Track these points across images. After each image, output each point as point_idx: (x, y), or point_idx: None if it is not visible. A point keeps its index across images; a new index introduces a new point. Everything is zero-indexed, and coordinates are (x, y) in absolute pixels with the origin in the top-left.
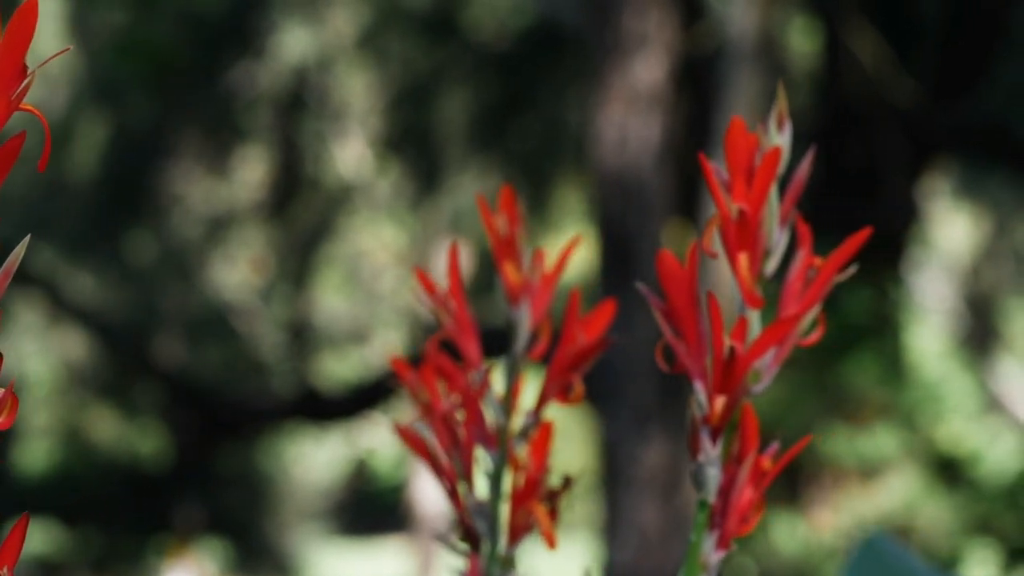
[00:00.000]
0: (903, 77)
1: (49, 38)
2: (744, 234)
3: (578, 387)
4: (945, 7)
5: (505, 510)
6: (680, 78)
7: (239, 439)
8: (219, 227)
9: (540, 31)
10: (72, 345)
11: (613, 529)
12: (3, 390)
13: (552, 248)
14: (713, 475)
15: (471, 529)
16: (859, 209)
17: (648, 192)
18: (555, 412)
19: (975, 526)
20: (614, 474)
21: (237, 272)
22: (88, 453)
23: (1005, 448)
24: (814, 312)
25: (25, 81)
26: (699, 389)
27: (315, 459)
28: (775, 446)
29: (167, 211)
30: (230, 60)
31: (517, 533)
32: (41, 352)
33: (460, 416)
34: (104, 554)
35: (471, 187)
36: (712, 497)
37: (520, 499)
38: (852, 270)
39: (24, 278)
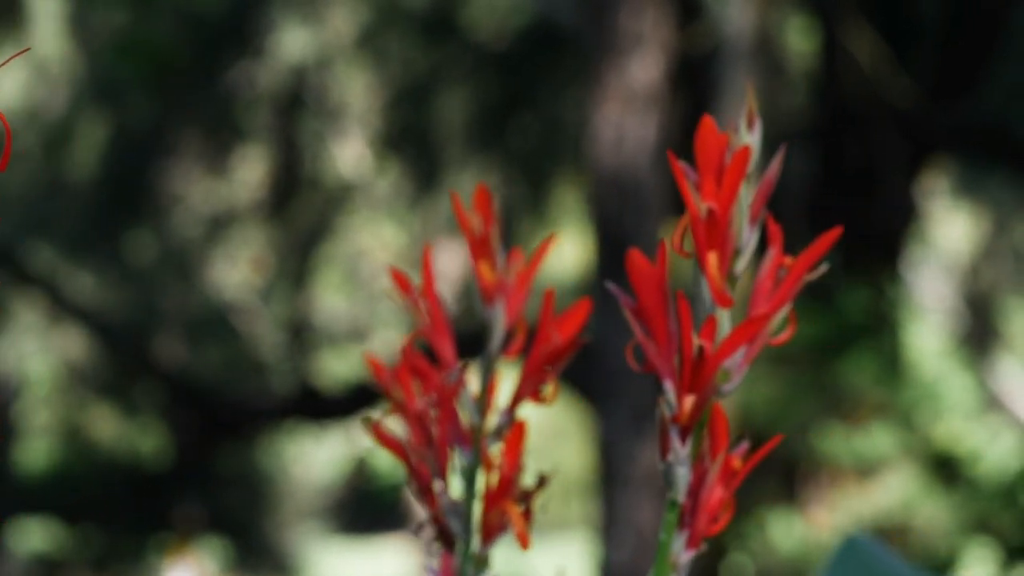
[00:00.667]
0: (901, 76)
1: (49, 38)
2: (713, 233)
3: (553, 386)
4: (944, 7)
5: (479, 509)
6: (676, 78)
7: (239, 438)
8: (219, 227)
9: (539, 30)
10: (72, 344)
11: (610, 528)
12: None
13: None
14: (682, 474)
15: (445, 528)
16: (857, 209)
17: (645, 192)
18: (554, 412)
19: (973, 525)
20: (611, 473)
21: (237, 272)
22: (88, 452)
23: (1004, 447)
24: (784, 311)
25: None
26: (668, 388)
27: (315, 458)
28: (745, 445)
29: (167, 211)
30: (230, 60)
31: (491, 533)
32: (41, 351)
33: (434, 415)
34: (104, 553)
35: (470, 186)
36: (682, 496)
37: (493, 499)
38: (823, 269)
39: (24, 277)
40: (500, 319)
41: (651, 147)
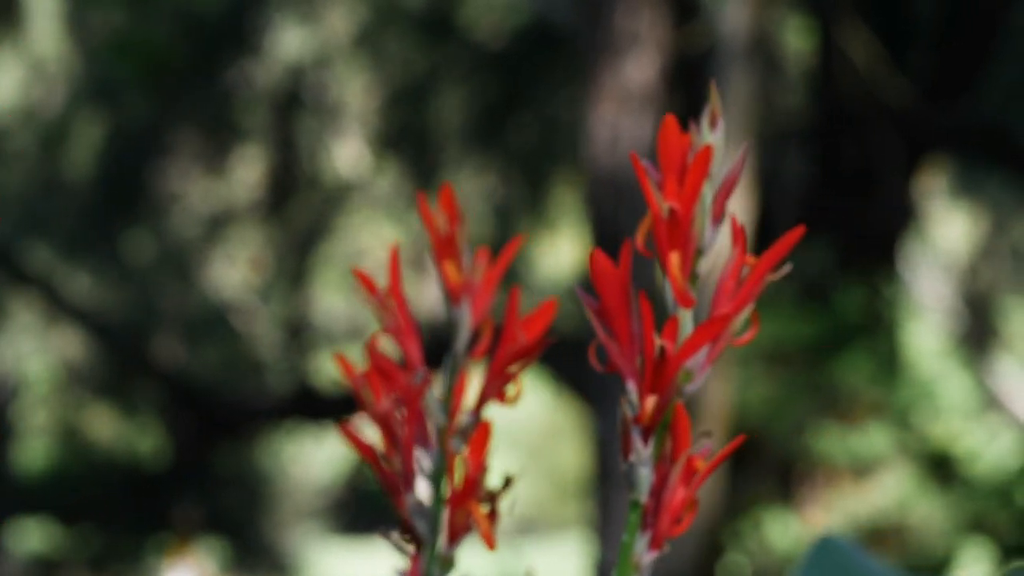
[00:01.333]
0: (899, 76)
1: (46, 37)
2: (675, 233)
3: (518, 387)
4: (941, 7)
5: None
6: (672, 78)
7: (238, 438)
8: (217, 226)
9: (536, 30)
10: (70, 344)
11: (606, 527)
12: None
13: (548, 246)
14: (645, 475)
15: (412, 529)
16: (854, 209)
17: (640, 191)
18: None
19: (969, 525)
20: (607, 472)
21: (235, 271)
22: (86, 452)
23: (1001, 446)
24: (747, 311)
25: None
26: (631, 389)
27: (314, 458)
28: (708, 445)
29: (165, 210)
30: (227, 59)
31: (456, 533)
32: (39, 351)
33: (400, 416)
34: (103, 553)
35: (468, 185)
36: (644, 497)
37: (458, 499)
38: (787, 269)
39: (21, 277)
40: (466, 319)
41: (647, 147)
